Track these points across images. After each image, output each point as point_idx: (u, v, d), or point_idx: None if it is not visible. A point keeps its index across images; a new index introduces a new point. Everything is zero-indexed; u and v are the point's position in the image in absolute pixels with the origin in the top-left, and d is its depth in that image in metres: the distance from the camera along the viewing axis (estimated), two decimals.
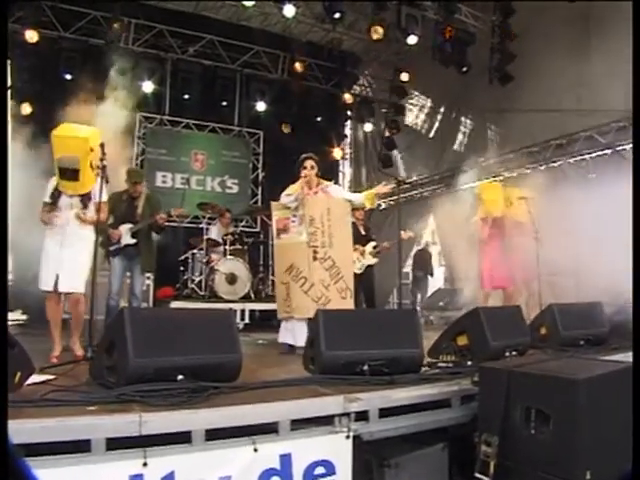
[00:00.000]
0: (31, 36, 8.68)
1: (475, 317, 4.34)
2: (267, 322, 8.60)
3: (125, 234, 5.78)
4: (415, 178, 11.73)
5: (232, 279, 8.30)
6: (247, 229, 10.91)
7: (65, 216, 4.60)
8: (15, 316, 8.03)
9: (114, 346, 3.12)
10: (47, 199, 4.61)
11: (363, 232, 7.58)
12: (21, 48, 8.45)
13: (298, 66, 11.16)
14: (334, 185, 5.94)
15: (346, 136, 13.96)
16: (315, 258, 5.29)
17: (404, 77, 11.15)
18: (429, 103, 11.85)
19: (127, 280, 5.99)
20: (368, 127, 12.81)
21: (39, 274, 4.54)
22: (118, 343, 3.06)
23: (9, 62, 7.78)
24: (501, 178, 9.50)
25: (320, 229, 5.34)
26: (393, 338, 3.85)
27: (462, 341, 4.34)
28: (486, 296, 6.87)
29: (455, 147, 11.08)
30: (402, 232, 6.46)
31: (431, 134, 11.72)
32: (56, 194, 4.63)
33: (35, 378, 3.14)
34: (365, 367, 3.68)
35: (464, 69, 9.37)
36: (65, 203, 4.64)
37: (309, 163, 5.55)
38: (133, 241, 5.79)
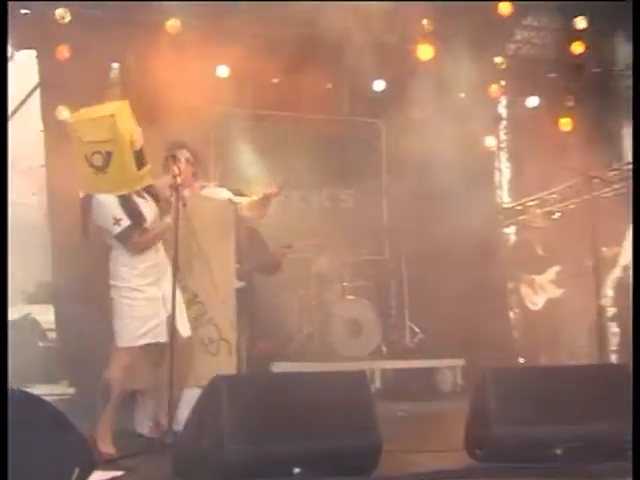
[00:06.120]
0: None
1: None
2: (406, 386, 8.56)
3: None
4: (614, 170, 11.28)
5: (355, 328, 8.38)
6: (372, 257, 10.91)
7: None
8: (60, 389, 8.39)
9: (204, 427, 3.21)
10: (128, 221, 4.51)
11: (540, 252, 7.38)
12: None
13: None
14: (214, 187, 5.58)
15: (501, 117, 13.71)
16: None
17: (581, 23, 10.82)
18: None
19: None
20: (533, 101, 12.52)
21: (134, 329, 4.56)
22: (210, 423, 3.14)
23: None
24: None
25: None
26: (596, 407, 3.75)
27: None
28: None
29: None
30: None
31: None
32: (131, 208, 4.57)
33: (99, 476, 3.22)
34: (558, 451, 3.61)
35: None
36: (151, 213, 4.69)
37: (183, 155, 5.15)
38: None
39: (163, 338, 4.55)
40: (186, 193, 4.88)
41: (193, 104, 7.91)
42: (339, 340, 8.31)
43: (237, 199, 5.40)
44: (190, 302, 5.06)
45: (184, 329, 4.72)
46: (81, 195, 4.69)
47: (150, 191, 4.73)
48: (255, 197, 5.29)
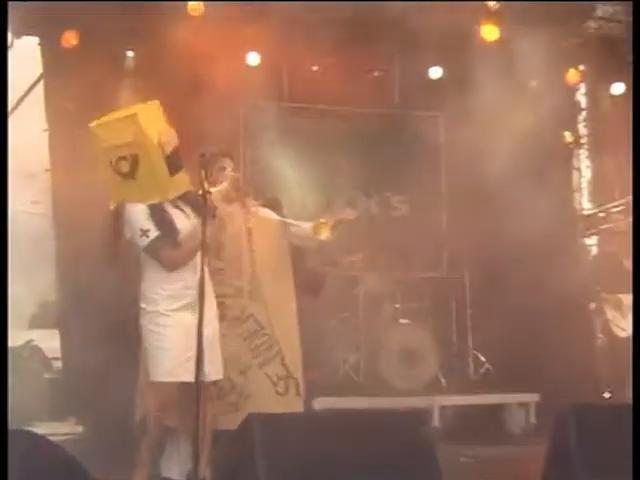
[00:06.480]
0: None
1: None
2: (469, 426, 8.51)
3: None
4: None
5: (409, 357, 8.37)
6: (429, 274, 10.83)
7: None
8: (67, 428, 8.45)
9: (238, 473, 3.23)
10: (156, 232, 4.55)
11: (629, 266, 7.27)
12: None
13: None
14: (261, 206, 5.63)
15: (580, 107, 13.62)
16: (223, 317, 4.97)
17: None
18: None
19: None
20: (618, 88, 12.42)
21: (162, 361, 4.58)
22: (244, 468, 3.16)
23: None
24: None
25: (233, 265, 5.09)
26: None
27: None
28: None
29: None
30: None
31: None
32: (161, 217, 4.60)
33: None
34: None
35: None
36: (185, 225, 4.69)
37: (229, 165, 5.27)
38: None
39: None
40: (240, 210, 4.99)
41: (220, 97, 7.96)
42: (390, 372, 8.31)
43: (297, 224, 5.50)
44: (256, 334, 5.15)
45: (215, 370, 4.66)
46: (110, 206, 4.72)
47: (189, 200, 4.72)
48: (322, 221, 5.30)
